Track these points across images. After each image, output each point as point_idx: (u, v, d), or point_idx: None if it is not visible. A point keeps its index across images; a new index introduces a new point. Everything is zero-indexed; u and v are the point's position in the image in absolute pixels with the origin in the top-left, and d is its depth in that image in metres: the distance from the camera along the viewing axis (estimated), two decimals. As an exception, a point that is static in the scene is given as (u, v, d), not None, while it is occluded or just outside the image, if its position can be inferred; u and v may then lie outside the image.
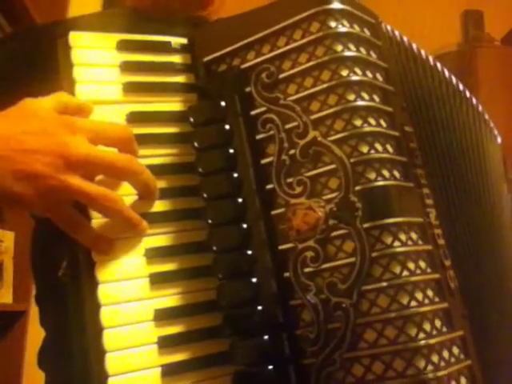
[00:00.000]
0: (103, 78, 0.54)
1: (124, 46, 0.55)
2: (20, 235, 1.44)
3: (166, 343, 0.47)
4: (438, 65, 0.61)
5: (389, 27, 0.58)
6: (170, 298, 0.49)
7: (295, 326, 0.46)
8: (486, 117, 0.64)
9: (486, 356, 0.48)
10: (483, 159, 0.60)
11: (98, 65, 0.54)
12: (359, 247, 0.44)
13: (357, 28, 0.52)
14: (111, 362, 0.45)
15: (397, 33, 0.58)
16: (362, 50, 0.51)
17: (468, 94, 0.62)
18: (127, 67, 0.54)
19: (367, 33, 0.53)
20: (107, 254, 0.47)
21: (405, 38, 0.59)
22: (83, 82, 0.53)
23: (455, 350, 0.45)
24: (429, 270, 0.46)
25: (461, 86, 0.62)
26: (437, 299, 0.45)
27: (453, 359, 0.44)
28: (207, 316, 0.48)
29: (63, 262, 0.50)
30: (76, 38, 0.54)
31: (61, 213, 0.46)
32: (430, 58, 0.60)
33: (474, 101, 0.61)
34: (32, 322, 1.34)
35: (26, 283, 1.38)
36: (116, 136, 0.48)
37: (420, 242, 0.47)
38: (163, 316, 0.48)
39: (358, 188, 0.45)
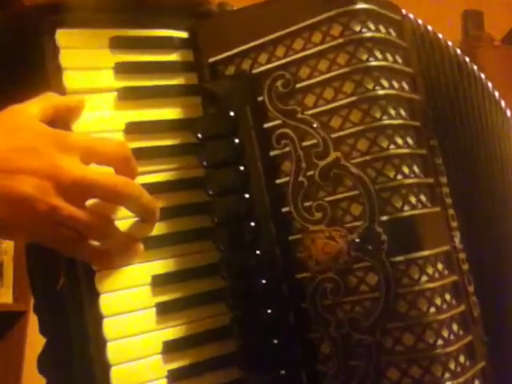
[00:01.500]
0: (97, 84, 0.48)
1: (118, 44, 0.49)
2: (20, 235, 1.40)
3: (175, 376, 0.45)
4: (467, 59, 0.56)
5: (411, 16, 0.52)
6: (178, 327, 0.46)
7: (314, 359, 0.44)
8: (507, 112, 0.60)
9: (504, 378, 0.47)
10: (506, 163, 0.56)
11: (89, 67, 0.48)
12: (384, 282, 0.42)
13: (382, 30, 0.46)
14: None
15: (420, 22, 0.53)
16: (389, 56, 0.46)
17: (490, 86, 0.58)
18: (122, 69, 0.48)
19: (393, 33, 0.48)
20: (109, 267, 0.44)
21: (429, 28, 0.54)
22: (75, 91, 0.47)
23: (477, 384, 0.44)
24: (454, 303, 0.44)
25: (484, 79, 0.57)
26: (461, 332, 0.44)
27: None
28: (219, 344, 0.46)
29: (61, 275, 0.47)
30: (64, 37, 0.47)
31: (53, 236, 0.42)
32: (458, 51, 0.56)
33: (503, 104, 0.57)
34: (32, 321, 1.31)
35: (25, 283, 1.34)
36: (111, 154, 0.44)
37: (446, 273, 0.44)
38: (172, 348, 0.45)
39: (384, 218, 0.42)
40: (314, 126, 0.45)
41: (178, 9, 0.55)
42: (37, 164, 0.40)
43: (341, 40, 0.44)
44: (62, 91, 0.46)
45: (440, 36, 0.55)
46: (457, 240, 0.47)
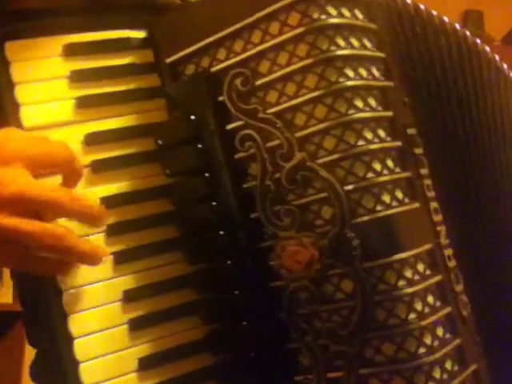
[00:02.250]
0: (52, 95, 0.46)
1: (72, 51, 0.46)
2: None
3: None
4: (457, 26, 0.51)
5: None
6: (152, 343, 0.44)
7: (293, 370, 0.42)
8: None
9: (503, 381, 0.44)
10: None
11: (43, 79, 0.46)
12: (359, 290, 0.39)
13: (346, 14, 0.42)
14: None
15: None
16: (354, 41, 0.42)
17: (497, 58, 0.52)
18: (77, 77, 0.46)
19: (359, 16, 0.44)
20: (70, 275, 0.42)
21: (408, 1, 0.48)
22: (29, 104, 0.45)
23: (469, 389, 0.41)
24: (438, 305, 0.41)
25: (488, 50, 0.52)
26: (448, 336, 0.41)
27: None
28: (196, 358, 0.44)
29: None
30: (14, 50, 0.45)
31: (5, 254, 0.41)
32: (446, 20, 0.50)
33: (506, 68, 0.51)
34: None
35: None
36: (55, 160, 0.41)
37: (428, 273, 0.41)
38: (147, 365, 0.44)
39: (355, 221, 0.39)
40: (277, 125, 0.41)
41: (135, 4, 0.52)
42: None
43: (299, 30, 0.41)
44: (15, 109, 0.45)
45: (422, 8, 0.50)
46: (442, 235, 0.43)
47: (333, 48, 0.41)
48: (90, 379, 0.43)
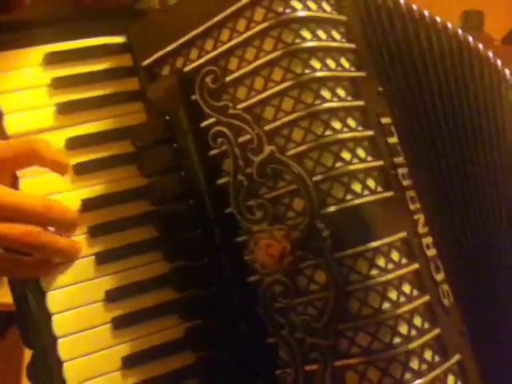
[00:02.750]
0: (33, 103, 0.47)
1: (52, 60, 0.48)
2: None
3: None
4: (438, 19, 0.50)
5: None
6: (135, 341, 0.45)
7: (274, 365, 0.42)
8: (508, 74, 0.53)
9: (492, 372, 0.43)
10: (503, 134, 0.50)
11: (24, 87, 0.47)
12: (331, 281, 0.38)
13: (313, 6, 0.43)
14: None
15: None
16: (321, 33, 0.42)
17: (482, 50, 0.51)
18: (58, 85, 0.47)
19: (327, 8, 0.44)
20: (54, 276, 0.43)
21: None
22: (10, 112, 0.46)
23: (451, 380, 0.40)
24: (415, 294, 0.40)
25: (470, 40, 0.51)
26: (427, 326, 0.40)
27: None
28: (178, 356, 0.45)
29: None
30: (-4, 61, 0.47)
31: None
32: (426, 13, 0.50)
33: (491, 56, 0.50)
34: None
35: None
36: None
37: (404, 262, 0.40)
38: (131, 363, 0.44)
39: (324, 211, 0.39)
40: (247, 120, 0.42)
41: (114, 12, 0.53)
42: None
43: (264, 24, 0.41)
44: (-2, 116, 0.46)
45: (401, 1, 0.49)
46: (420, 223, 0.43)
47: (298, 41, 0.41)
48: (74, 378, 0.43)
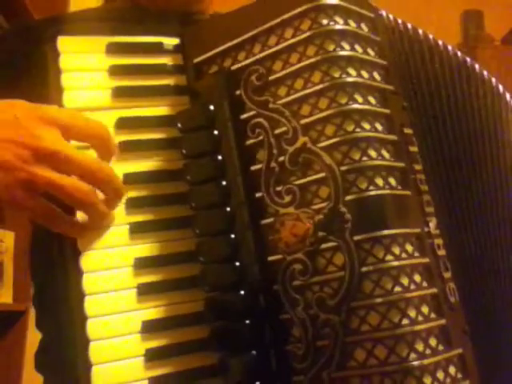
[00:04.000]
0: (92, 84, 0.52)
1: (113, 49, 0.54)
2: (20, 235, 1.44)
3: (153, 356, 0.46)
4: (449, 48, 0.56)
5: (391, 17, 0.54)
6: (157, 309, 0.48)
7: (285, 341, 0.44)
8: (508, 99, 0.58)
9: (491, 373, 0.45)
10: (503, 153, 0.55)
11: (86, 69, 0.53)
12: (348, 261, 0.42)
13: (352, 24, 0.48)
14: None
15: (400, 21, 0.54)
16: (358, 47, 0.48)
17: (486, 75, 0.57)
18: (116, 71, 0.53)
19: (365, 29, 0.50)
20: (87, 240, 0.46)
21: (409, 25, 0.55)
22: (71, 89, 0.51)
23: (452, 370, 0.42)
24: (425, 284, 0.43)
25: (477, 68, 0.57)
26: (433, 315, 0.43)
27: (448, 380, 0.41)
28: (195, 328, 0.47)
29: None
30: (64, 43, 0.52)
31: (34, 205, 0.45)
32: (440, 43, 0.56)
33: (495, 82, 0.56)
34: (32, 322, 1.33)
35: (26, 283, 1.37)
36: (90, 132, 0.47)
37: (416, 254, 0.44)
38: (150, 328, 0.47)
39: (348, 198, 0.43)
40: (285, 114, 0.47)
41: (173, 17, 0.59)
42: (20, 135, 0.44)
43: (309, 33, 0.47)
44: (59, 91, 0.51)
45: (420, 32, 0.56)
46: (432, 226, 0.46)
47: (338, 49, 0.46)
48: (96, 335, 0.46)
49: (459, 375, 0.43)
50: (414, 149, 0.49)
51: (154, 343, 0.47)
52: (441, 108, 0.53)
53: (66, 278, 0.47)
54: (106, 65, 0.53)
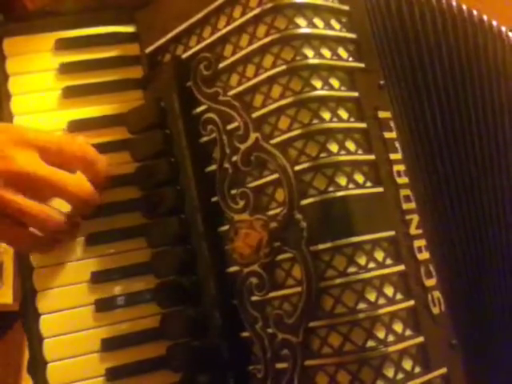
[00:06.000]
0: (41, 86, 0.49)
1: (62, 45, 0.49)
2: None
3: (113, 375, 0.43)
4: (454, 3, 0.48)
5: None
6: (116, 325, 0.45)
7: (246, 361, 0.40)
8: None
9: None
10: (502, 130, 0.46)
11: (35, 71, 0.49)
12: (305, 275, 0.36)
13: (311, -7, 0.41)
14: None
15: None
16: (318, 21, 0.41)
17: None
18: (66, 69, 0.49)
19: (328, -3, 0.42)
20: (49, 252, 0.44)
21: None
22: (19, 94, 0.48)
23: (433, 394, 0.37)
24: (399, 297, 0.37)
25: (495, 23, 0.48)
26: (408, 333, 0.37)
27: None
28: (153, 345, 0.44)
29: None
30: (10, 45, 0.49)
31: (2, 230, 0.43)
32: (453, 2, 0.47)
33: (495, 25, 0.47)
34: None
35: None
36: (74, 154, 0.44)
37: (388, 262, 0.38)
38: (110, 346, 0.44)
39: (304, 202, 0.37)
40: (236, 107, 0.41)
41: (127, 2, 0.54)
42: None
43: (258, 10, 0.40)
44: (7, 98, 0.48)
45: None
46: (413, 224, 0.40)
47: (291, 27, 0.40)
48: (52, 355, 0.43)
49: (442, 400, 0.37)
50: (391, 135, 0.42)
51: (112, 362, 0.44)
52: (435, 83, 0.44)
53: (25, 297, 0.45)
54: (54, 64, 0.49)
